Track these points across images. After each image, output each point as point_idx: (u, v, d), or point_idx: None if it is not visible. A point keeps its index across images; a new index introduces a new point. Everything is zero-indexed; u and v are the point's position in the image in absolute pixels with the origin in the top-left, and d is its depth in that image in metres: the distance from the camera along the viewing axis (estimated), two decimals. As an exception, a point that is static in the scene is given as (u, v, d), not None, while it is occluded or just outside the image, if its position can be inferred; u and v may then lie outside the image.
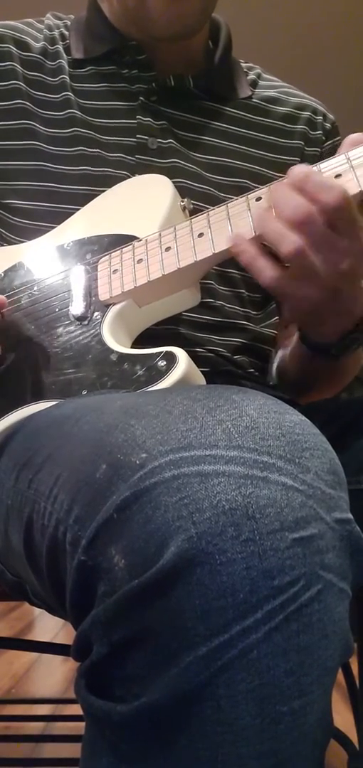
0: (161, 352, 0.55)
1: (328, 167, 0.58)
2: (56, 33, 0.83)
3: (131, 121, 0.77)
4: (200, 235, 0.61)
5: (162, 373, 0.53)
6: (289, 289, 0.58)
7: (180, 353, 0.54)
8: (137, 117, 0.78)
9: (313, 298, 0.58)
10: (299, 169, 0.57)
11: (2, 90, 0.78)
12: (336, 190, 0.54)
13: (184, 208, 0.69)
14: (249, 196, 0.61)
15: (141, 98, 0.78)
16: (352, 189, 0.56)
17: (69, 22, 0.85)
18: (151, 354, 0.55)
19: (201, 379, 0.55)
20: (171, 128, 0.78)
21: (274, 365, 0.84)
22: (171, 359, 0.54)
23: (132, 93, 0.79)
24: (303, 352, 0.72)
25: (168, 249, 0.62)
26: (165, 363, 0.54)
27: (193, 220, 0.63)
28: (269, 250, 0.57)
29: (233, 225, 0.60)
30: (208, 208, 0.63)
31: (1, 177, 0.76)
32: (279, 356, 0.84)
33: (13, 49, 0.80)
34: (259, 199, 0.60)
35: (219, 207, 0.62)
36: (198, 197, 0.73)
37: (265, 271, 0.57)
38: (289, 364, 0.81)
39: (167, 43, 0.77)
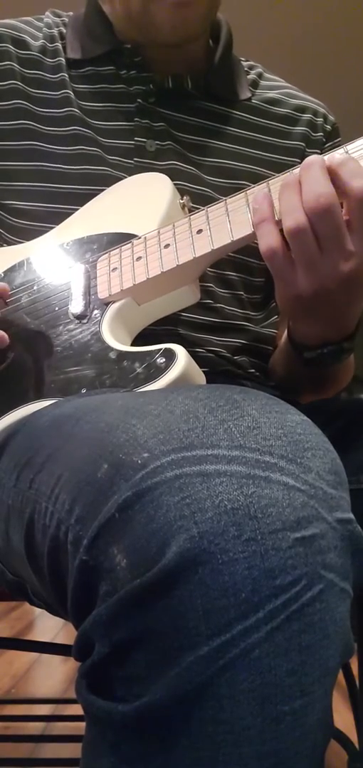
0: (160, 349, 0.54)
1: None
2: (55, 31, 0.82)
3: (129, 123, 0.77)
4: (199, 231, 0.61)
5: (161, 370, 0.53)
6: (282, 267, 0.56)
7: (179, 350, 0.54)
8: (135, 119, 0.77)
9: (300, 288, 0.56)
10: (338, 154, 0.55)
11: (0, 90, 0.78)
12: None
13: (183, 206, 0.69)
14: (247, 192, 0.61)
15: (139, 100, 0.78)
16: None
17: (68, 20, 0.85)
18: (151, 351, 0.55)
19: (201, 377, 0.55)
20: (169, 130, 0.78)
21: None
22: (170, 356, 0.54)
23: (130, 94, 0.78)
24: (288, 351, 0.71)
25: (167, 246, 0.62)
26: (164, 360, 0.53)
27: (191, 217, 0.63)
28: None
29: (232, 221, 0.60)
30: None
31: (1, 177, 0.76)
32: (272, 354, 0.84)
33: (11, 48, 0.79)
34: None
35: (218, 203, 0.62)
36: (197, 199, 0.73)
37: (267, 237, 0.56)
38: (276, 361, 0.80)
39: (168, 48, 0.77)
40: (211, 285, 0.75)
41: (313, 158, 0.55)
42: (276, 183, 0.59)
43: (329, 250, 0.54)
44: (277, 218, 0.56)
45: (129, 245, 0.65)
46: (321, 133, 0.84)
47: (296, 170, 0.57)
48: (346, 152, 0.57)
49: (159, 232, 0.64)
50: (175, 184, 0.70)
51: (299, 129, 0.83)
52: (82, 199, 0.73)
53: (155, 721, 0.33)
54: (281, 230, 0.56)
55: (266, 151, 0.81)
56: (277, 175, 0.59)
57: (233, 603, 0.32)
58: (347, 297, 0.58)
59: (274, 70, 0.89)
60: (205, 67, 0.82)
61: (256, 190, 0.60)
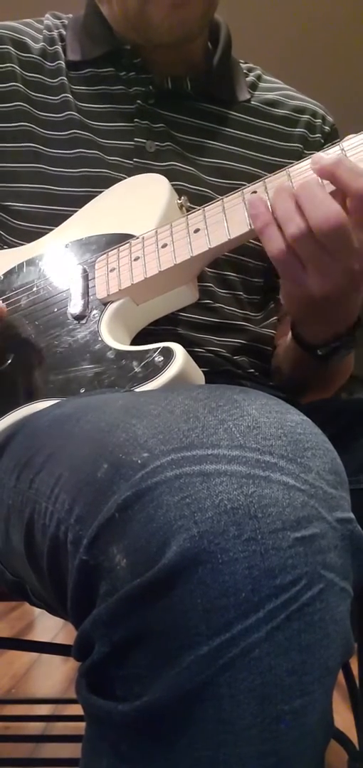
0: (158, 348, 0.54)
1: None
2: (55, 33, 0.82)
3: (129, 124, 0.77)
4: (196, 230, 0.61)
5: (159, 369, 0.53)
6: (292, 269, 0.57)
7: (177, 348, 0.54)
8: (135, 120, 0.77)
9: (312, 290, 0.57)
10: (331, 153, 0.55)
11: (1, 92, 0.78)
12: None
13: (181, 207, 0.69)
14: (244, 190, 0.61)
15: (138, 101, 0.78)
16: None
17: (67, 22, 0.85)
18: (149, 350, 0.55)
19: (199, 376, 0.55)
20: (169, 131, 0.78)
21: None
22: (168, 355, 0.54)
23: (129, 96, 0.79)
24: (295, 351, 0.72)
25: (164, 246, 0.62)
26: (162, 359, 0.53)
27: (189, 216, 0.63)
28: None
29: (229, 219, 0.60)
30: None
31: (1, 179, 0.76)
32: (274, 355, 0.84)
33: (12, 50, 0.79)
34: (254, 192, 0.60)
35: (214, 202, 0.62)
36: (196, 200, 0.73)
37: (274, 240, 0.56)
38: (282, 362, 0.81)
39: (166, 48, 0.77)
40: (210, 285, 0.75)
41: (310, 179, 0.55)
42: (272, 182, 0.59)
43: (341, 257, 0.55)
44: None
45: (127, 245, 0.65)
46: (319, 135, 0.85)
47: (255, 193, 0.58)
48: (342, 149, 0.57)
49: (156, 232, 0.64)
50: (174, 185, 0.70)
51: (298, 130, 0.84)
52: (82, 201, 0.73)
53: (155, 721, 0.33)
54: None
55: (265, 153, 0.81)
56: (269, 175, 0.60)
57: (233, 602, 0.32)
58: (355, 291, 0.59)
59: (272, 71, 0.89)
60: (205, 68, 0.82)
61: (254, 189, 0.60)
